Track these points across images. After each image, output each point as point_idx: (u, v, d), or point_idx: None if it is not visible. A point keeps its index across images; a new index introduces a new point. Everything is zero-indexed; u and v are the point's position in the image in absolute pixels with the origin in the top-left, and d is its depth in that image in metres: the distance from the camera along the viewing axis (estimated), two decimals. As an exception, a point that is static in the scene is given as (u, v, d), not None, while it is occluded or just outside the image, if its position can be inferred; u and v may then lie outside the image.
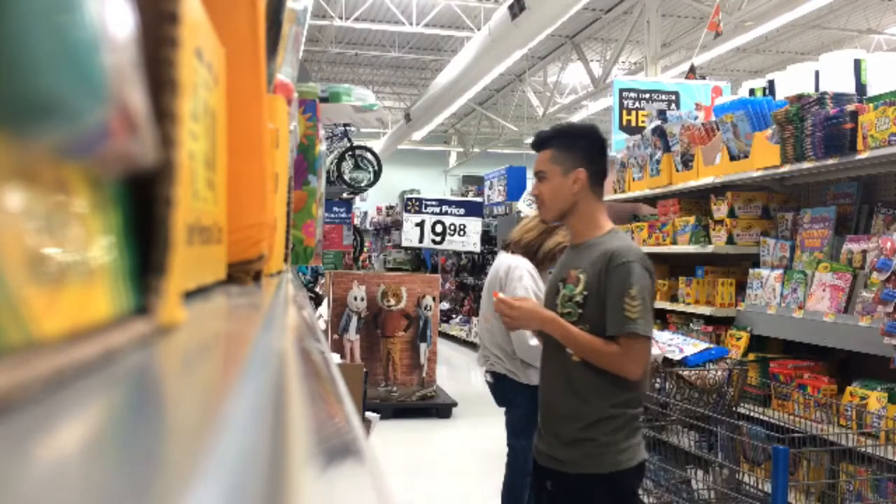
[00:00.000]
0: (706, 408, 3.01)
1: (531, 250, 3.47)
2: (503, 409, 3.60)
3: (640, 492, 3.60)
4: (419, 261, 12.43)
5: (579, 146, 2.32)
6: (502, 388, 3.55)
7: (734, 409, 3.15)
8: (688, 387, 3.07)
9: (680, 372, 3.06)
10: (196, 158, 0.39)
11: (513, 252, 3.52)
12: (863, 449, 2.72)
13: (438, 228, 8.12)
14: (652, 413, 3.15)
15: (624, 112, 6.00)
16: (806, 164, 3.11)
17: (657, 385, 3.11)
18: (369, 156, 7.06)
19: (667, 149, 4.28)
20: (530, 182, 12.04)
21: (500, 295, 2.31)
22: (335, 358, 3.20)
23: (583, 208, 2.30)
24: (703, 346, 3.20)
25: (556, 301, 2.26)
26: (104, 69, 0.23)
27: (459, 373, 9.68)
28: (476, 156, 21.26)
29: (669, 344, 3.19)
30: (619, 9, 12.01)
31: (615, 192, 4.97)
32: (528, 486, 3.53)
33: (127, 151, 0.27)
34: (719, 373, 3.07)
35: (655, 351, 2.97)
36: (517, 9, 8.80)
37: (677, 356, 3.09)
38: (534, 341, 3.24)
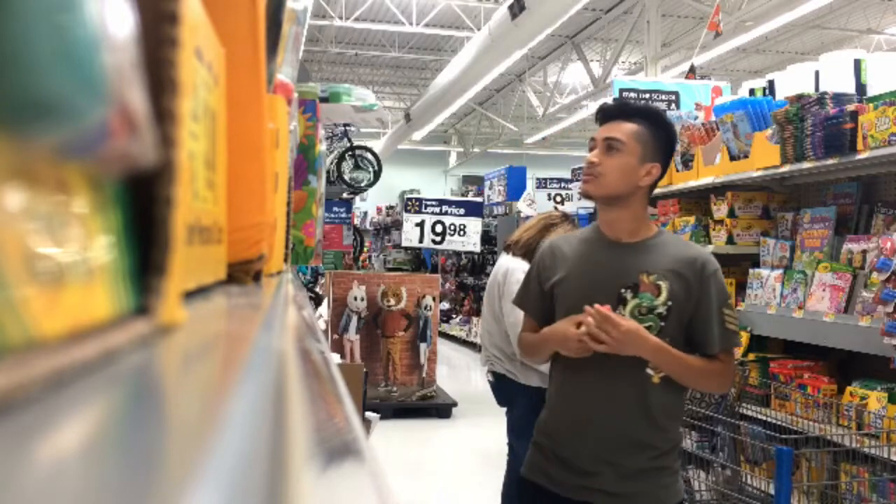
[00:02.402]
0: (708, 408, 3.00)
1: (530, 250, 3.46)
2: (503, 409, 3.60)
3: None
4: (419, 261, 12.42)
5: (664, 140, 2.05)
6: (503, 388, 3.55)
7: (736, 409, 3.14)
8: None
9: None
10: (196, 158, 0.39)
11: (513, 254, 3.52)
12: (867, 450, 2.72)
13: (438, 228, 8.12)
14: None
15: (624, 112, 5.98)
16: (806, 164, 3.11)
17: None
18: (369, 156, 7.06)
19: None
20: (530, 182, 12.08)
21: (607, 310, 1.87)
22: (335, 358, 3.20)
23: (636, 205, 2.02)
24: None
25: (624, 310, 1.92)
26: (104, 69, 0.23)
27: (459, 373, 9.68)
28: (476, 156, 21.26)
29: None
30: (619, 9, 12.00)
31: (615, 192, 4.97)
32: None
33: (127, 151, 0.27)
34: None
35: None
36: (517, 9, 8.80)
37: None
38: None
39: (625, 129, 1.98)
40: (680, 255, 1.97)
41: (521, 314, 3.43)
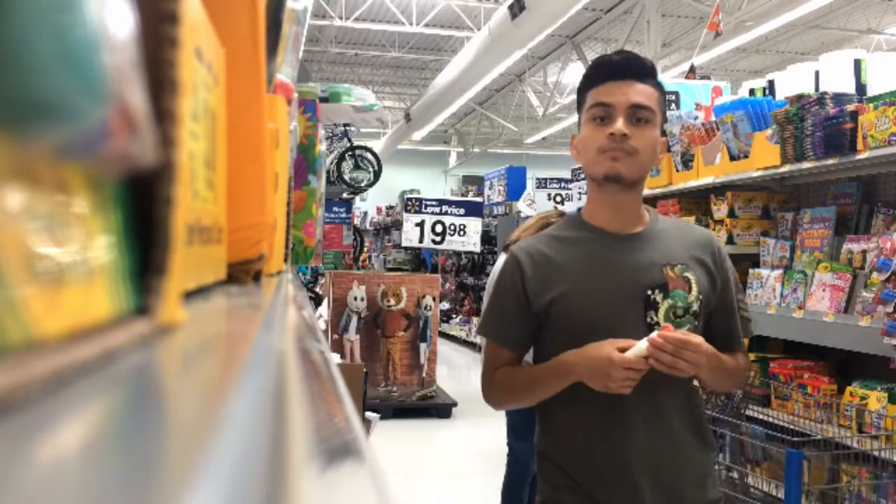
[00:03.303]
0: (714, 410, 2.96)
1: None
2: (503, 410, 3.61)
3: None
4: (419, 261, 12.43)
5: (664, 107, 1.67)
6: None
7: (742, 411, 3.11)
8: None
9: None
10: (196, 158, 0.39)
11: None
12: (876, 453, 2.71)
13: (438, 228, 8.11)
14: None
15: (624, 112, 5.99)
16: (806, 164, 3.11)
17: None
18: (369, 156, 7.06)
19: (667, 149, 4.28)
20: (530, 182, 12.08)
21: (672, 332, 1.47)
22: (335, 358, 3.20)
23: (641, 187, 1.68)
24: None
25: (657, 317, 1.57)
26: (104, 69, 0.23)
27: (459, 373, 9.68)
28: (476, 156, 21.26)
29: None
30: (619, 9, 12.00)
31: (615, 192, 4.97)
32: (527, 487, 3.53)
33: (127, 151, 0.27)
34: None
35: None
36: (517, 9, 8.80)
37: None
38: None
39: (649, 94, 1.60)
40: (692, 238, 1.69)
41: None
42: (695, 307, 1.60)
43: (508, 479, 3.56)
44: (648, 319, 1.57)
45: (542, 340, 1.66)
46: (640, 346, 1.46)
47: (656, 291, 1.59)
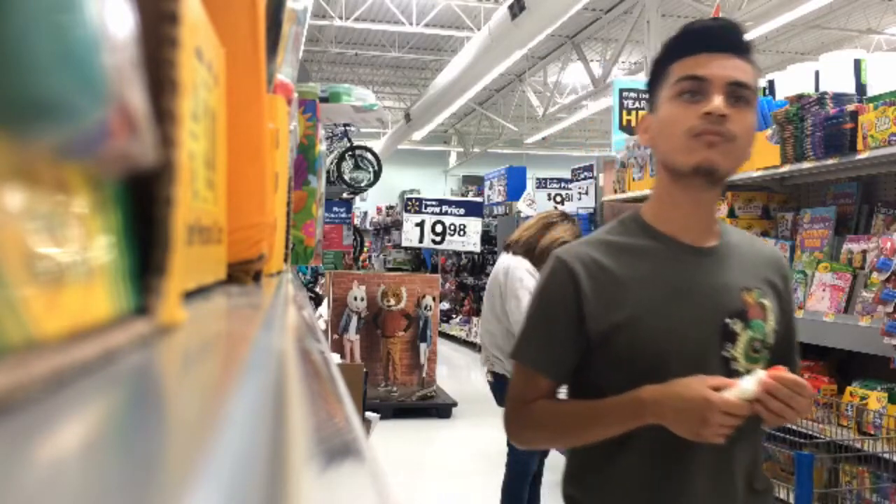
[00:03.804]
0: None
1: (531, 248, 3.46)
2: (503, 410, 3.60)
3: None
4: (419, 261, 12.42)
5: None
6: (503, 388, 3.54)
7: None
8: None
9: None
10: (196, 158, 0.39)
11: (513, 253, 3.52)
12: (887, 455, 2.71)
13: (438, 228, 8.11)
14: None
15: (624, 112, 6.00)
16: (806, 164, 3.11)
17: None
18: (369, 156, 7.06)
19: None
20: (530, 182, 12.09)
21: (785, 373, 1.22)
22: (335, 358, 3.20)
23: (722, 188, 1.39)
24: None
25: (735, 351, 1.31)
26: (104, 69, 0.23)
27: (459, 373, 9.68)
28: (476, 156, 21.26)
29: None
30: (619, 9, 12.00)
31: (615, 192, 4.97)
32: (527, 487, 3.53)
33: (127, 151, 0.27)
34: None
35: None
36: (517, 9, 8.80)
37: None
38: None
39: (749, 72, 1.31)
40: (763, 257, 1.43)
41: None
42: (770, 340, 1.34)
43: (508, 478, 3.56)
44: (725, 353, 1.31)
45: (589, 371, 1.36)
46: (746, 388, 1.20)
47: (735, 320, 1.32)
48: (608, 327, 1.32)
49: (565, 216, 3.58)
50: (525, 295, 3.29)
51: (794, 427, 3.00)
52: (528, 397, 1.40)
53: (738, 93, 1.28)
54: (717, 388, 1.21)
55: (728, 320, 1.32)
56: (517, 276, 3.38)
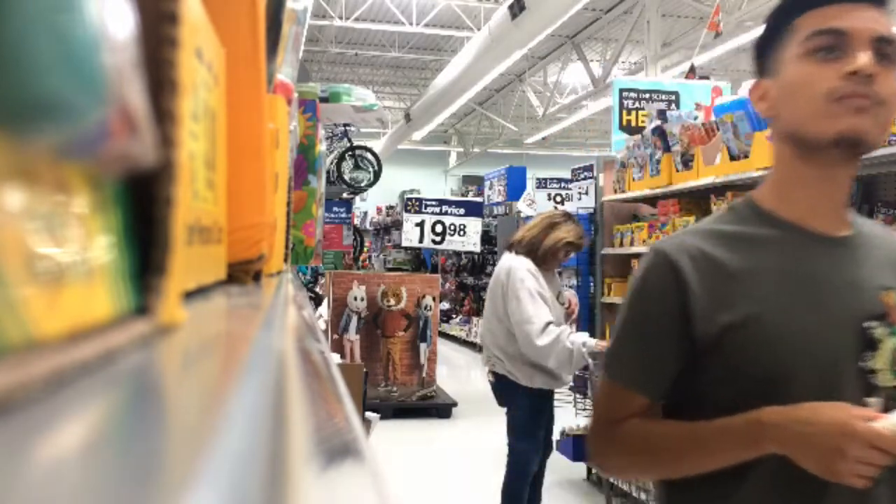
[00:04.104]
0: None
1: (533, 248, 3.44)
2: (504, 410, 3.60)
3: (641, 492, 3.60)
4: (419, 261, 12.42)
5: None
6: (503, 389, 3.55)
7: None
8: None
9: None
10: (196, 158, 0.39)
11: (516, 252, 3.51)
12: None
13: (438, 228, 8.11)
14: None
15: (624, 112, 6.00)
16: (806, 164, 3.11)
17: None
18: (369, 156, 7.05)
19: (667, 149, 4.28)
20: (530, 182, 12.08)
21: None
22: (335, 358, 3.20)
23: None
24: None
25: (876, 362, 1.09)
26: (104, 69, 0.23)
27: (459, 373, 9.68)
28: (476, 156, 21.26)
29: None
30: (619, 9, 12.00)
31: (615, 192, 4.97)
32: (527, 487, 3.53)
33: (127, 151, 0.27)
34: None
35: None
36: (517, 9, 8.80)
37: None
38: (541, 340, 3.22)
39: (890, 26, 1.12)
40: None
41: (530, 312, 3.39)
42: None
43: (509, 478, 3.55)
44: (863, 364, 1.09)
45: (692, 384, 1.16)
46: None
47: (876, 324, 1.10)
48: (719, 329, 1.11)
49: (568, 216, 3.57)
50: (526, 296, 3.29)
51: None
52: (617, 416, 1.18)
53: (883, 49, 1.08)
54: (863, 419, 0.98)
55: (868, 324, 1.09)
56: (519, 277, 3.37)
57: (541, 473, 3.65)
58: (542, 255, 3.41)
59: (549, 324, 3.23)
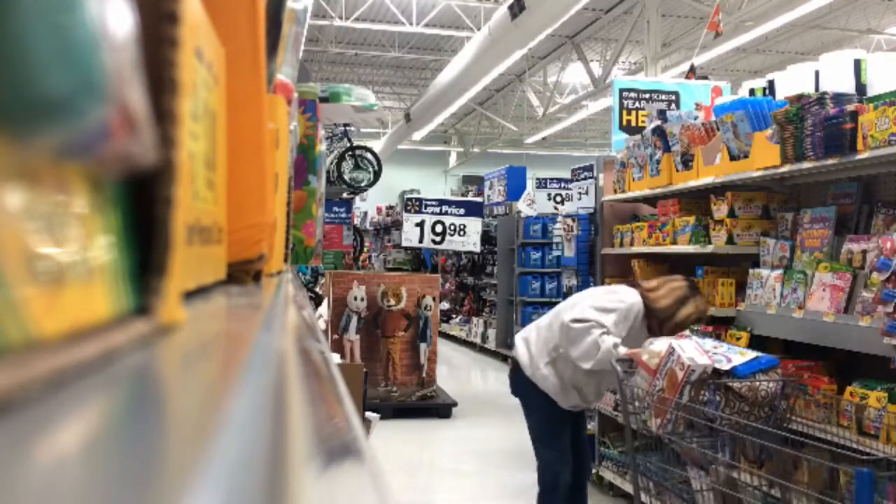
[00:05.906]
0: (758, 422, 2.80)
1: (665, 319, 3.25)
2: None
3: (640, 492, 3.59)
4: (419, 261, 12.42)
5: None
6: (517, 378, 3.45)
7: (786, 423, 2.94)
8: (738, 399, 2.80)
9: (730, 384, 2.80)
10: (196, 158, 0.39)
11: (645, 304, 3.29)
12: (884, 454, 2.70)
13: (438, 228, 8.11)
14: (699, 428, 2.90)
15: (624, 112, 6.00)
16: (806, 164, 3.11)
17: (705, 398, 2.82)
18: (369, 156, 7.05)
19: (667, 149, 4.28)
20: (530, 182, 12.07)
21: None
22: (335, 358, 3.19)
23: None
24: (750, 354, 2.93)
25: None
26: (104, 69, 0.23)
27: (459, 373, 9.68)
28: (476, 156, 21.26)
29: (715, 352, 2.91)
30: (619, 9, 12.01)
31: (615, 192, 4.97)
32: (560, 499, 3.35)
33: (127, 151, 0.27)
34: (772, 385, 2.84)
35: (704, 360, 2.78)
36: (517, 9, 8.80)
37: (725, 366, 2.83)
38: (576, 325, 3.09)
39: None
40: None
41: (590, 345, 3.12)
42: None
43: (540, 491, 3.38)
44: None
45: None
46: None
47: None
48: None
49: (695, 289, 3.37)
50: (600, 309, 3.15)
51: (793, 427, 2.99)
52: None
53: None
54: None
55: None
56: (619, 298, 3.23)
57: (578, 486, 3.46)
58: (671, 328, 3.25)
59: (600, 326, 3.12)
